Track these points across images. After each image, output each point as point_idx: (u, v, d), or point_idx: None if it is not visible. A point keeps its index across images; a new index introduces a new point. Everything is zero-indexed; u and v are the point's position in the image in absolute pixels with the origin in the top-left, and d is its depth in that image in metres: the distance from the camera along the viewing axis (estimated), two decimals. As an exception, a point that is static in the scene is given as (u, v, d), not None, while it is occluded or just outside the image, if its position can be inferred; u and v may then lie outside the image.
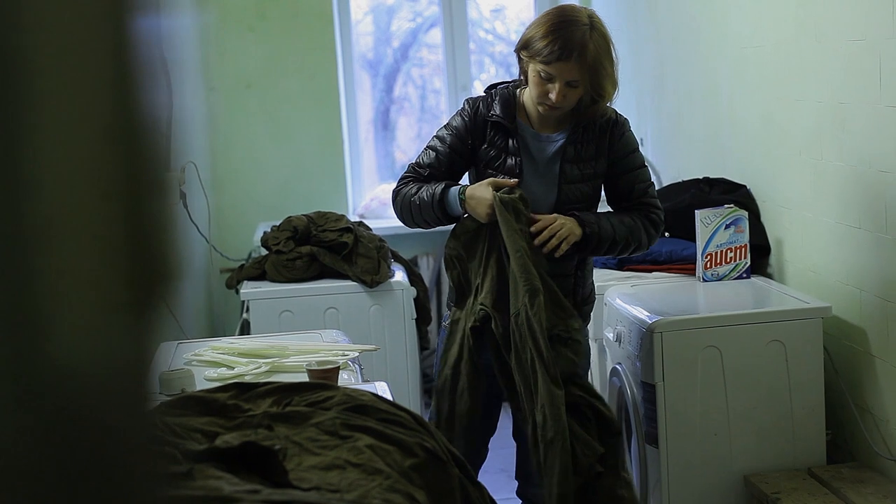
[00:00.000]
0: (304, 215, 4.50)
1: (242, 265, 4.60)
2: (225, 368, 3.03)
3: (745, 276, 3.94)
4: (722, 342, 3.45)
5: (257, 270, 4.43)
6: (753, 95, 4.16)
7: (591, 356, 3.62)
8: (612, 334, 3.77)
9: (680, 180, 4.56)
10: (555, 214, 3.13)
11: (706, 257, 3.94)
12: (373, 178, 6.23)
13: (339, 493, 1.83)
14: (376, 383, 2.75)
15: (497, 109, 3.20)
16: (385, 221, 5.46)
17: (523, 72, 3.17)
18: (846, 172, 3.50)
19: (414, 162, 3.30)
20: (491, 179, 3.13)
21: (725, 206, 3.97)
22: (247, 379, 2.79)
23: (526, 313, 2.99)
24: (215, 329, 5.22)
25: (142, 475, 0.70)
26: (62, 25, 0.64)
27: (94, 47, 0.65)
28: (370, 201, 5.91)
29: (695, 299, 3.88)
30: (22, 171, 0.62)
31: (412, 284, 4.44)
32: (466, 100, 3.28)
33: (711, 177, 4.35)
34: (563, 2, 5.79)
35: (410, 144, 6.36)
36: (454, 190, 3.16)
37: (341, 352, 3.09)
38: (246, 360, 3.06)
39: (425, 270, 5.78)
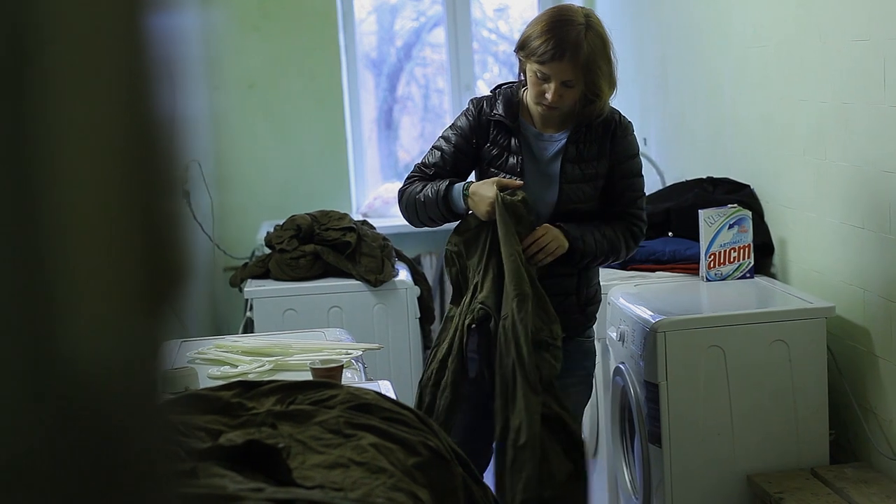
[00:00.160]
0: (307, 214, 4.50)
1: (246, 263, 4.61)
2: (228, 367, 3.03)
3: (748, 275, 3.94)
4: (725, 342, 3.45)
5: (261, 269, 4.43)
6: (757, 95, 4.16)
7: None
8: (615, 334, 3.77)
9: (683, 180, 4.56)
10: (546, 225, 3.13)
11: (710, 257, 3.94)
12: (376, 177, 6.23)
13: (343, 492, 1.84)
14: (380, 382, 2.76)
15: (500, 109, 3.22)
16: (388, 220, 5.45)
17: (522, 71, 3.18)
18: (850, 172, 3.50)
19: (420, 162, 3.33)
20: (496, 178, 3.13)
21: (729, 205, 3.96)
22: (250, 377, 2.80)
23: (513, 318, 3.01)
24: (219, 327, 5.22)
25: (156, 474, 0.70)
26: (76, 25, 0.64)
27: (108, 46, 0.66)
28: (373, 200, 5.91)
29: (698, 299, 3.88)
30: (36, 172, 0.62)
31: (416, 283, 4.44)
32: (471, 100, 3.31)
33: (715, 176, 4.35)
34: (565, 1, 5.79)
35: (414, 144, 6.36)
36: (458, 186, 3.18)
37: (345, 350, 3.10)
38: (250, 358, 3.06)
39: (429, 269, 5.79)
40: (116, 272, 0.66)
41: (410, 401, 3.26)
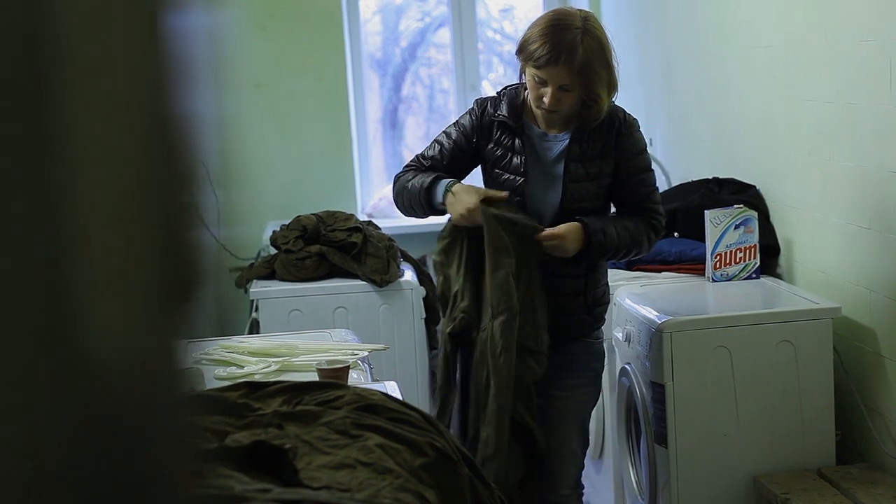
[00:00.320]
0: (313, 214, 4.50)
1: (252, 264, 4.61)
2: (235, 367, 3.03)
3: (754, 276, 3.94)
4: (731, 342, 3.45)
5: (267, 269, 4.43)
6: (762, 95, 4.15)
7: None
8: (621, 334, 3.77)
9: (689, 180, 4.56)
10: (570, 224, 3.12)
11: (716, 257, 3.93)
12: (381, 177, 6.23)
13: (350, 493, 1.83)
14: (386, 382, 2.76)
15: (504, 109, 3.23)
16: (394, 221, 5.45)
17: (522, 73, 3.19)
18: (856, 173, 3.49)
19: (420, 153, 3.36)
20: (483, 190, 3.14)
21: (735, 206, 3.96)
22: (256, 378, 2.80)
23: (491, 332, 3.04)
24: (224, 328, 5.22)
25: (176, 473, 0.70)
26: (95, 24, 0.64)
27: (126, 45, 0.66)
28: (379, 201, 5.91)
29: (704, 299, 3.87)
30: (56, 174, 0.62)
31: (421, 284, 4.44)
32: (476, 100, 3.34)
33: (721, 177, 4.35)
34: (571, 3, 5.79)
35: (418, 144, 6.35)
36: (445, 182, 3.19)
37: (351, 351, 3.10)
38: (256, 359, 3.06)
39: (434, 270, 5.78)
40: (136, 273, 0.66)
41: (416, 401, 3.27)
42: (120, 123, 0.66)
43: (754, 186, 4.21)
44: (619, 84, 3.17)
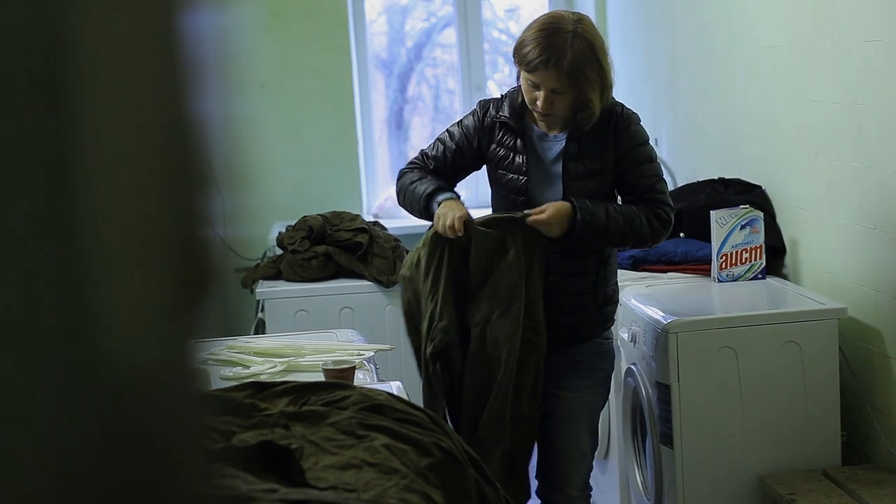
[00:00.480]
0: (319, 215, 4.50)
1: (258, 264, 4.61)
2: (241, 367, 3.04)
3: (760, 276, 3.94)
4: (737, 343, 3.45)
5: (273, 270, 4.44)
6: (768, 96, 4.15)
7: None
8: (626, 334, 3.77)
9: (695, 180, 4.56)
10: (549, 204, 3.13)
11: (721, 258, 3.93)
12: (387, 177, 6.23)
13: (356, 493, 1.84)
14: (392, 383, 2.76)
15: (505, 110, 3.25)
16: (400, 221, 5.45)
17: (518, 76, 3.19)
18: (862, 173, 3.49)
19: (423, 150, 3.39)
20: (467, 217, 3.15)
21: (741, 206, 3.96)
22: (263, 378, 2.80)
23: (491, 325, 3.06)
24: (230, 328, 5.23)
25: (190, 473, 0.71)
26: (110, 25, 0.64)
27: (142, 46, 0.66)
28: (384, 201, 5.91)
29: (710, 300, 3.87)
30: (73, 176, 0.63)
31: (427, 284, 4.44)
32: (479, 101, 3.38)
33: (726, 177, 4.35)
34: (576, 5, 5.79)
35: (424, 144, 6.29)
36: (444, 195, 3.22)
37: (357, 351, 3.10)
38: (262, 359, 3.07)
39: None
40: (152, 273, 0.66)
41: (421, 402, 3.26)
42: (137, 125, 0.66)
43: (760, 187, 4.21)
44: (613, 84, 3.16)
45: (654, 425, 3.57)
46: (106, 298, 0.64)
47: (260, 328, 4.35)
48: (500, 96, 3.32)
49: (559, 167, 3.21)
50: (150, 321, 0.67)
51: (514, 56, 3.17)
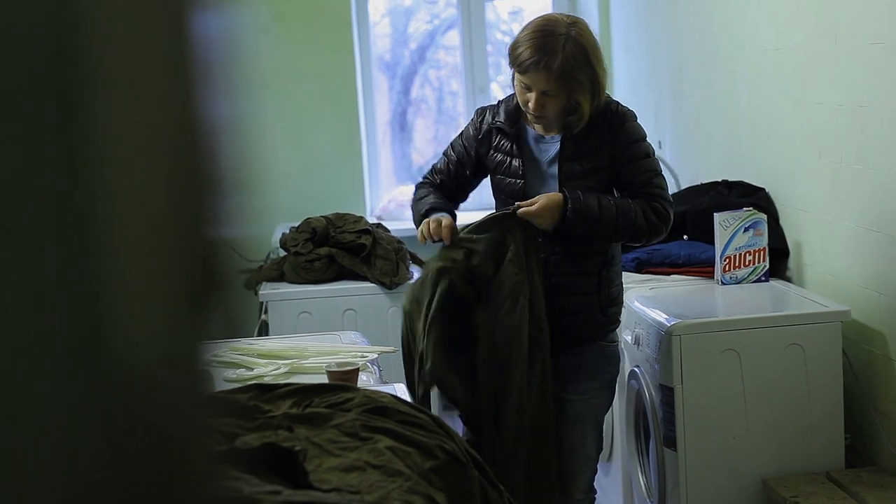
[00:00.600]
0: (322, 217, 4.50)
1: (261, 266, 4.61)
2: (244, 369, 3.04)
3: (763, 279, 3.93)
4: (741, 345, 3.45)
5: (276, 272, 4.44)
6: (772, 98, 4.15)
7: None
8: (630, 337, 3.77)
9: (699, 183, 4.56)
10: (540, 195, 3.14)
11: (725, 260, 3.93)
12: (390, 179, 6.23)
13: (360, 495, 1.84)
14: (395, 385, 2.76)
15: (501, 115, 3.27)
16: (403, 223, 5.45)
17: (512, 78, 3.20)
18: (865, 175, 3.49)
19: (434, 164, 3.45)
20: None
21: (744, 208, 3.96)
22: (266, 380, 2.80)
23: (496, 323, 3.09)
24: (234, 330, 5.22)
25: (199, 473, 0.71)
26: (124, 26, 0.64)
27: (156, 47, 0.66)
28: (388, 203, 5.92)
29: (713, 302, 3.87)
30: (85, 176, 0.63)
31: (430, 286, 4.44)
32: (477, 109, 3.42)
33: (730, 179, 4.35)
34: (580, 7, 5.79)
35: (427, 146, 6.36)
36: (433, 216, 3.24)
37: (360, 353, 3.10)
38: (265, 361, 3.07)
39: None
40: (164, 275, 0.66)
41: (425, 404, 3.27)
42: (149, 127, 0.66)
43: (764, 189, 4.21)
44: (605, 88, 3.16)
45: (657, 428, 3.57)
46: (116, 299, 0.64)
47: (263, 330, 4.35)
48: (496, 102, 3.35)
49: (556, 168, 3.21)
50: (160, 323, 0.67)
51: (508, 57, 3.18)
